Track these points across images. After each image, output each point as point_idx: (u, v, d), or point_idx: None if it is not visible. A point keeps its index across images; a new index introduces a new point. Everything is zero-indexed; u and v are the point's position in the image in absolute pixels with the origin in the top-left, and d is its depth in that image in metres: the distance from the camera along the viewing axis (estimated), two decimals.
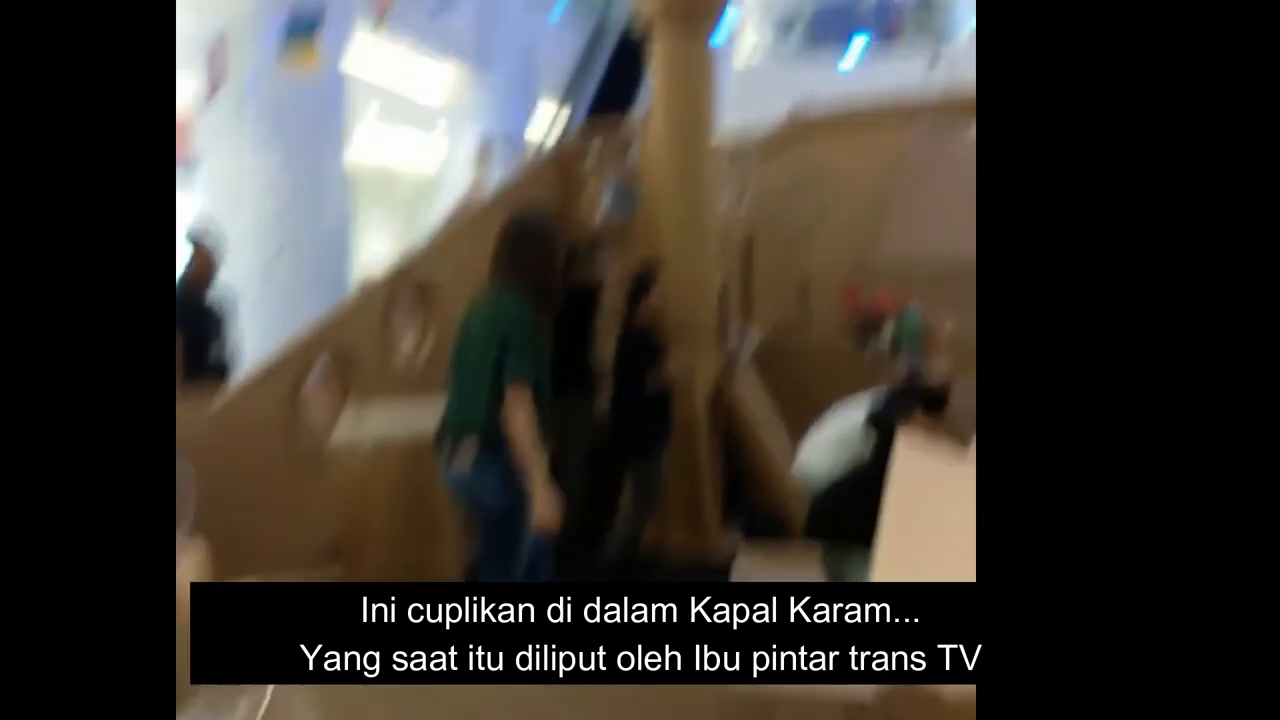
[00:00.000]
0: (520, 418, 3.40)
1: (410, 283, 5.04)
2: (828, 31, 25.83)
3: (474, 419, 3.50)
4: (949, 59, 16.09)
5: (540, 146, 7.03)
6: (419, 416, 4.04)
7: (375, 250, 12.43)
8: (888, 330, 6.81)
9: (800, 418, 6.20)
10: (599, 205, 6.53)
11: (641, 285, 5.47)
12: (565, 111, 17.92)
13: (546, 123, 16.36)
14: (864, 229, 7.66)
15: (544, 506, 3.39)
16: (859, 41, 23.84)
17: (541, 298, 3.64)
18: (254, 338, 6.63)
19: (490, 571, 3.54)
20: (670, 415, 5.55)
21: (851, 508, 3.90)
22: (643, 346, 5.44)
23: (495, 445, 3.44)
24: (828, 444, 4.37)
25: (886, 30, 24.96)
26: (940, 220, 7.67)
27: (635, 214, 6.12)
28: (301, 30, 5.95)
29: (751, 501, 6.12)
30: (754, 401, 5.87)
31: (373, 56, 13.13)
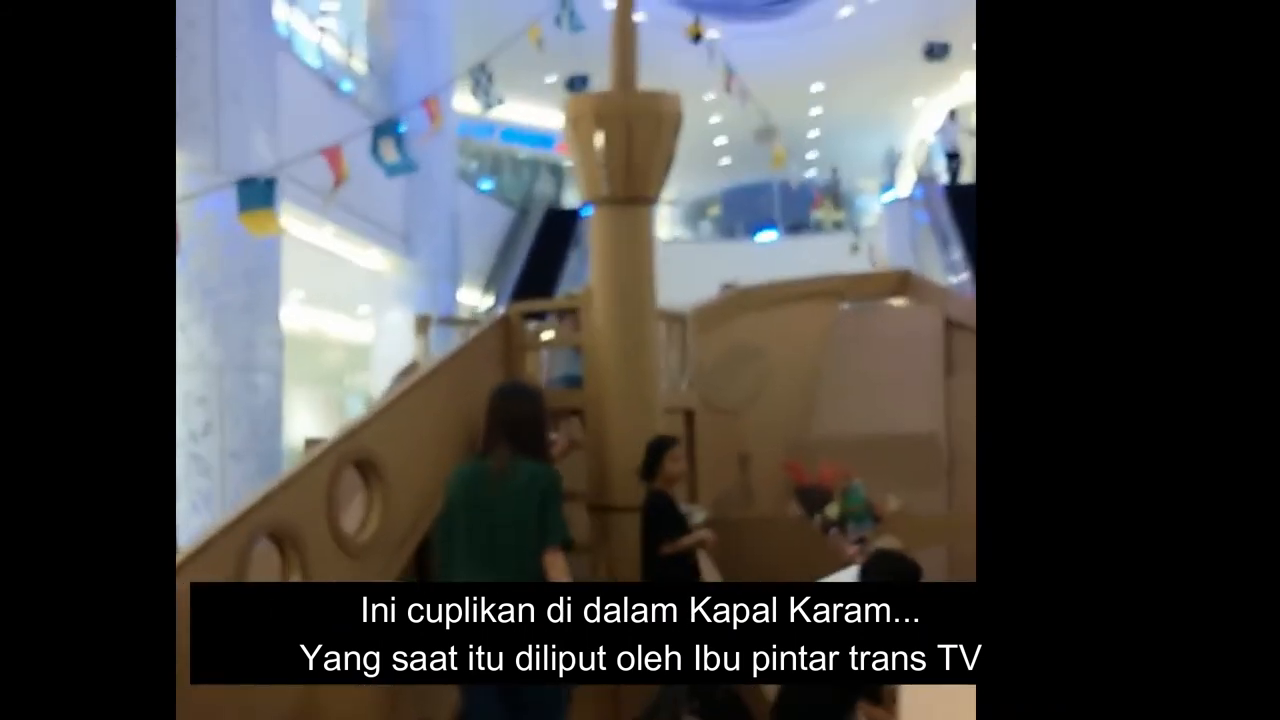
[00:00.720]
0: (565, 577, 3.77)
1: (353, 454, 4.89)
2: (736, 220, 26.89)
3: (521, 579, 3.73)
4: (865, 241, 16.73)
5: (477, 320, 7.02)
6: None
7: (304, 423, 12.23)
8: (834, 505, 6.83)
9: None
10: (541, 377, 6.51)
11: (658, 452, 5.46)
12: (492, 289, 18.09)
13: (475, 299, 16.48)
14: (798, 403, 7.77)
15: None
16: (768, 233, 24.73)
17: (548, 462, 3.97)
18: (182, 513, 6.36)
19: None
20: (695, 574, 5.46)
21: (824, 699, 3.81)
22: (662, 513, 5.41)
23: None
24: None
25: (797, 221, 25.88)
26: (869, 394, 7.86)
27: (580, 386, 6.09)
28: (258, 200, 5.96)
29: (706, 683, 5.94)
30: (707, 576, 5.75)
31: (303, 235, 13.18)
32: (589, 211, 6.02)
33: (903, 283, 8.96)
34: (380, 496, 5.01)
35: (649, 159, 5.72)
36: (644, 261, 5.93)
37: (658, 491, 5.39)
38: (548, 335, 6.91)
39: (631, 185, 5.73)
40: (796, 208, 26.81)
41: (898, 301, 8.97)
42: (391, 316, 15.30)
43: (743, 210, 27.26)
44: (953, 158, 19.68)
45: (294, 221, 12.28)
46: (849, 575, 4.41)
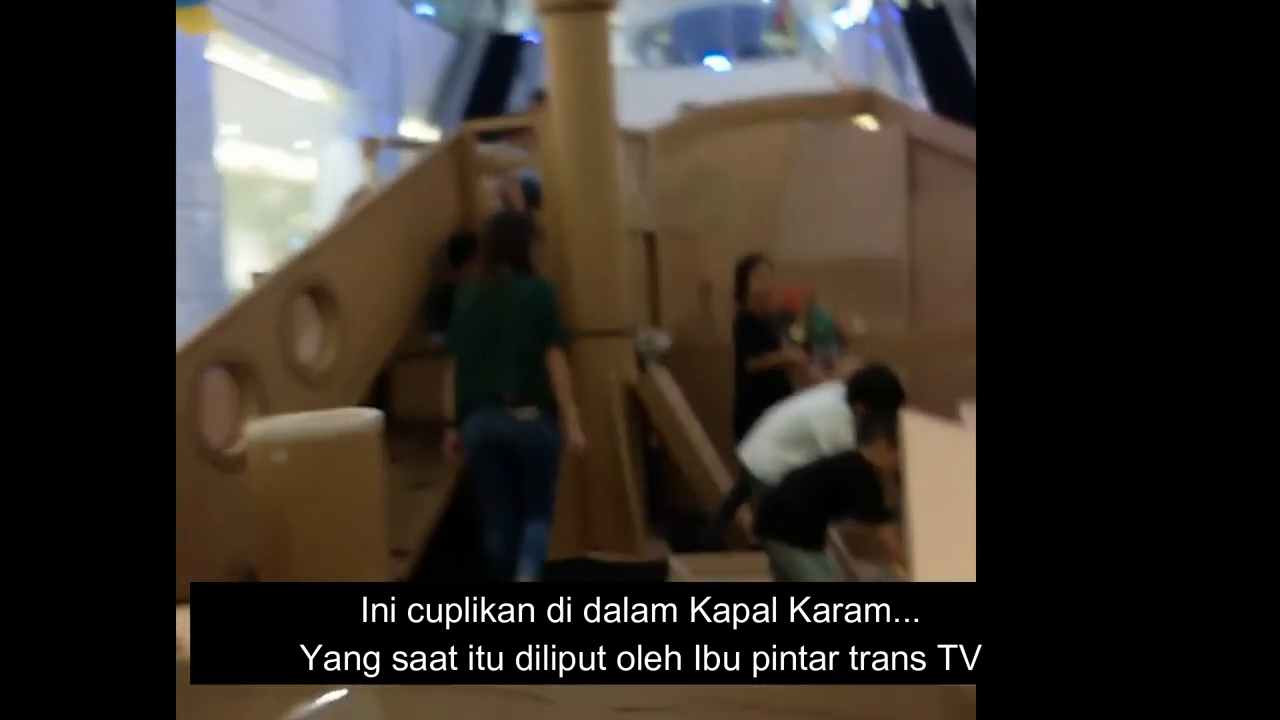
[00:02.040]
0: (567, 373, 4.46)
1: (306, 281, 4.67)
2: (685, 48, 26.18)
3: (532, 382, 4.42)
4: (826, 61, 16.33)
5: (428, 143, 6.72)
6: (335, 418, 3.72)
7: (249, 260, 11.89)
8: (798, 326, 6.73)
9: (711, 417, 6.10)
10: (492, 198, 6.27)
11: (743, 270, 5.45)
12: (436, 121, 17.55)
13: (419, 132, 15.96)
14: (760, 227, 7.61)
15: (578, 435, 4.54)
16: (718, 60, 24.13)
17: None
18: None
19: (540, 495, 4.49)
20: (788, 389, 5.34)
21: (808, 504, 3.78)
22: (746, 331, 5.37)
23: (547, 400, 4.45)
24: (776, 441, 4.23)
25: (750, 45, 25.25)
26: (830, 216, 7.71)
27: (539, 208, 5.87)
28: None
29: (677, 506, 5.92)
30: (671, 402, 5.66)
31: (237, 66, 12.58)
32: (533, 37, 5.70)
33: (866, 102, 8.71)
34: (336, 323, 4.82)
35: None
36: (602, 75, 5.65)
37: (746, 311, 5.31)
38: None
39: None
40: (749, 33, 26.08)
41: (861, 121, 8.73)
42: (332, 151, 14.79)
43: (693, 36, 26.47)
44: None
45: (225, 50, 11.69)
46: (831, 392, 4.31)
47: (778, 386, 5.32)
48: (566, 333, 4.63)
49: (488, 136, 6.50)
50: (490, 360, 4.48)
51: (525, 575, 4.42)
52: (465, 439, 4.57)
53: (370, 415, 3.76)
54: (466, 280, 5.55)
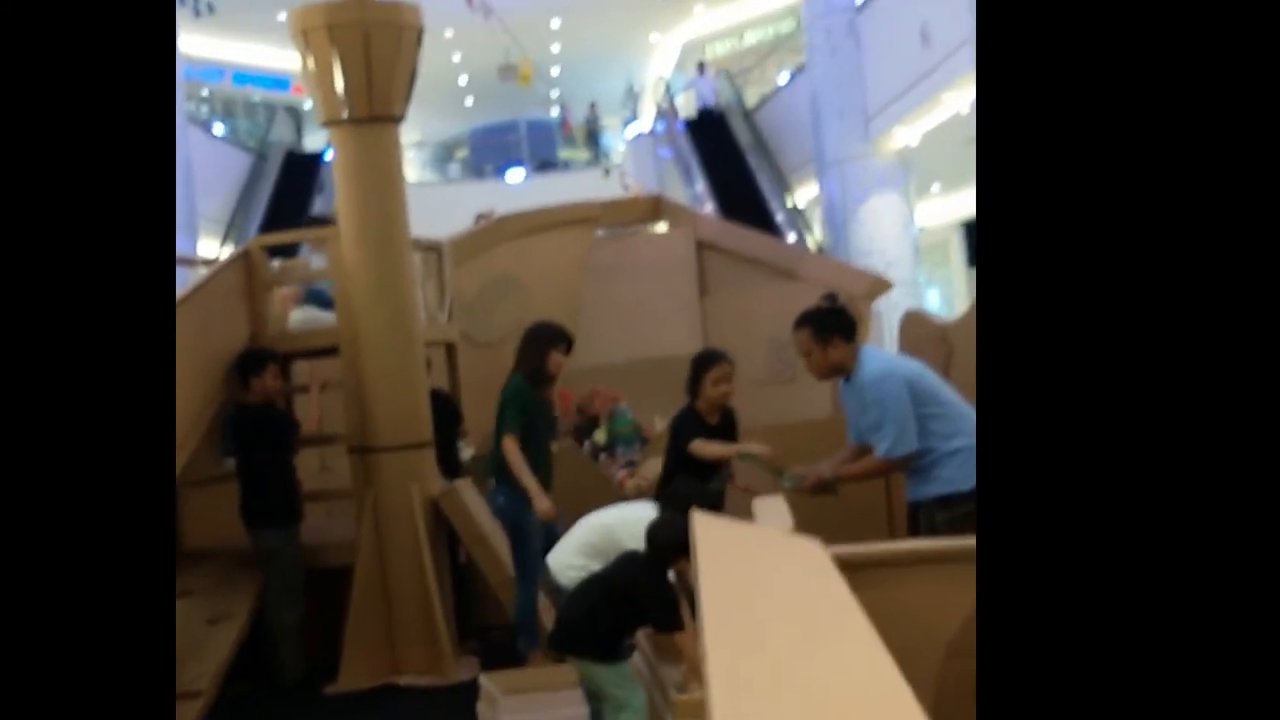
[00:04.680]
0: (514, 456, 4.99)
1: None
2: (484, 162, 26.45)
3: (496, 462, 5.13)
4: (616, 170, 16.72)
5: (216, 259, 6.50)
6: None
7: None
8: (602, 430, 6.75)
9: None
10: (286, 313, 6.11)
11: (697, 369, 4.95)
12: (232, 238, 17.13)
13: (214, 251, 15.53)
14: None
15: (541, 502, 4.95)
16: (517, 171, 24.46)
17: (534, 379, 5.24)
18: None
19: (522, 558, 5.09)
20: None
21: (602, 616, 3.72)
22: (685, 423, 4.89)
23: (501, 477, 5.12)
24: (580, 551, 4.18)
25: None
26: (628, 319, 7.85)
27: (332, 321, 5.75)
28: None
29: (488, 621, 5.78)
30: (477, 515, 5.56)
31: None
32: (331, 154, 5.65)
33: (655, 208, 8.95)
34: None
35: (390, 73, 5.38)
36: (393, 185, 5.62)
37: (690, 408, 4.94)
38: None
39: (374, 103, 5.38)
40: (544, 146, 26.54)
41: (652, 227, 8.95)
42: None
43: (491, 150, 26.78)
44: (710, 112, 19.69)
45: None
46: (643, 507, 4.30)
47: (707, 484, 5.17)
48: (512, 422, 5.08)
49: (285, 251, 6.37)
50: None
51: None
52: None
53: None
54: (257, 397, 5.37)
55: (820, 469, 4.31)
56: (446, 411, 5.96)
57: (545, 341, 5.34)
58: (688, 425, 4.84)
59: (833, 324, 4.25)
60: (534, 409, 5.20)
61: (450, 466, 5.88)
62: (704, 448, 4.67)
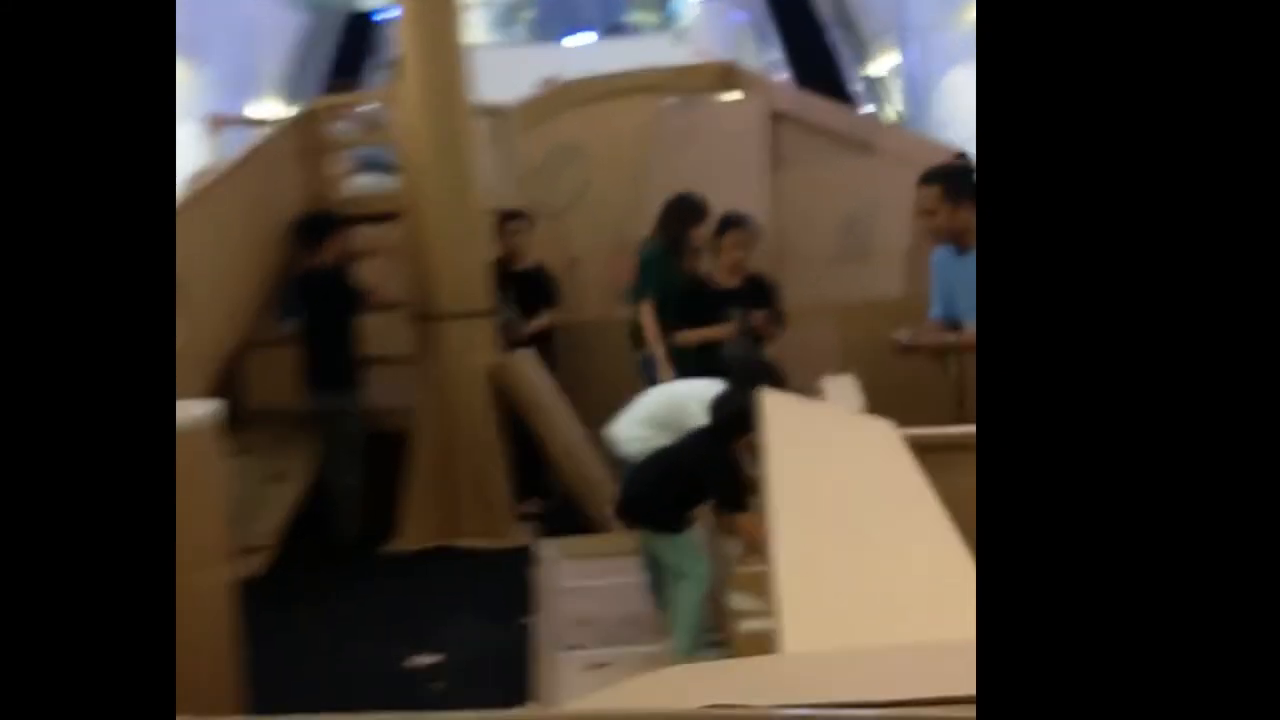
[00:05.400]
0: (645, 317, 5.07)
1: None
2: (549, 25, 25.95)
3: (630, 328, 5.24)
4: (688, 36, 16.33)
5: (276, 120, 6.44)
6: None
7: None
8: None
9: (580, 395, 6.02)
10: (344, 177, 6.06)
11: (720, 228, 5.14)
12: (292, 103, 17.07)
13: (276, 105, 15.49)
14: (623, 203, 7.53)
15: (666, 372, 4.95)
16: (584, 34, 24.00)
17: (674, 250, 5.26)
18: None
19: None
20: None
21: (666, 490, 3.71)
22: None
23: (636, 342, 5.23)
24: (645, 423, 4.15)
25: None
26: (695, 191, 7.69)
27: (393, 186, 5.68)
28: None
29: (546, 489, 5.81)
30: (536, 383, 5.54)
31: None
32: (389, 14, 5.51)
33: (727, 75, 8.67)
34: (183, 303, 4.56)
35: None
36: (454, 48, 5.47)
37: (697, 275, 5.10)
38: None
39: None
40: (612, 8, 25.93)
41: (723, 95, 8.70)
42: (180, 132, 14.22)
43: (557, 12, 26.20)
44: None
45: None
46: (713, 382, 4.24)
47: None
48: (646, 289, 5.20)
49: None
50: None
51: None
52: None
53: (204, 410, 3.53)
54: (327, 261, 5.35)
55: (936, 333, 4.12)
56: (543, 287, 6.02)
57: (689, 216, 5.33)
58: (686, 298, 5.03)
59: (967, 184, 3.95)
60: (669, 279, 5.18)
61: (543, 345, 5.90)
62: (685, 338, 4.72)
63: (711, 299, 4.77)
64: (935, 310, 4.21)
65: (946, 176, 3.98)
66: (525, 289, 6.00)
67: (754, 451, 2.67)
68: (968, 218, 3.89)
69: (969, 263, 3.87)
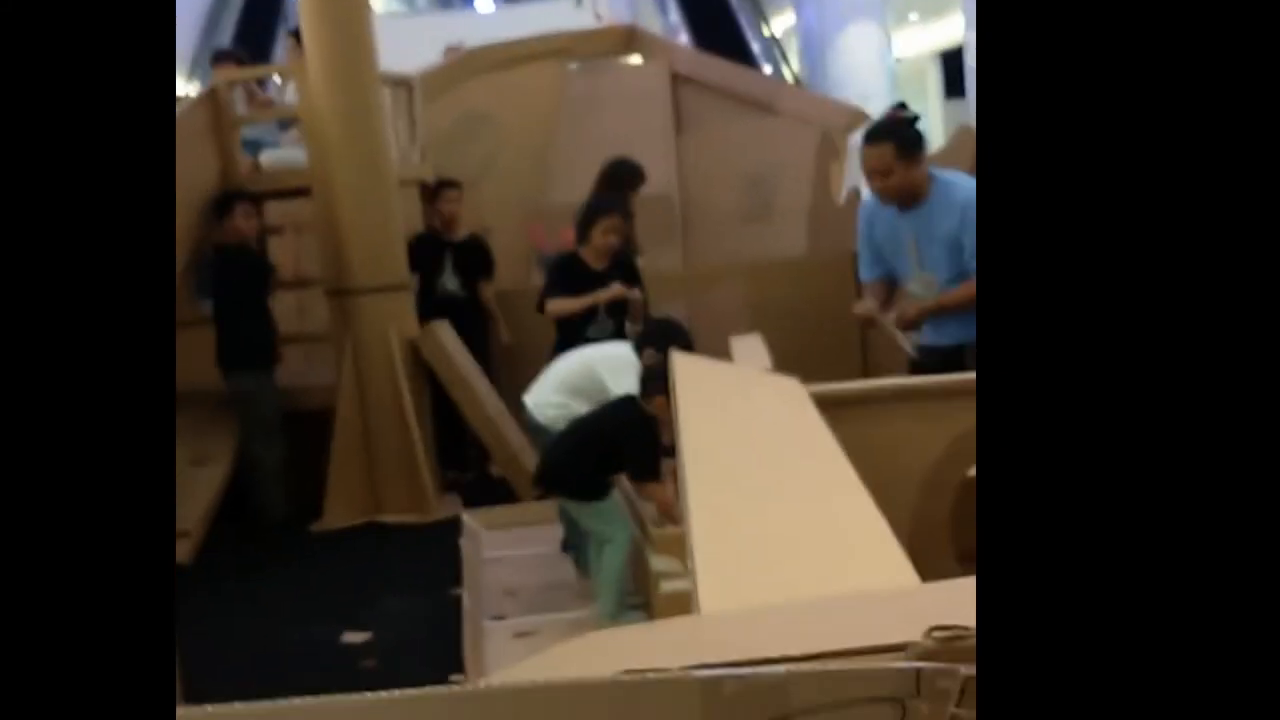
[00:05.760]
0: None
1: None
2: None
3: None
4: (588, 2, 16.22)
5: (183, 98, 6.31)
6: None
7: None
8: None
9: (496, 363, 6.06)
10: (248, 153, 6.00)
11: (589, 216, 4.86)
12: (196, 76, 16.69)
13: (180, 82, 15.11)
14: (532, 169, 7.55)
15: None
16: (484, 3, 23.65)
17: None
18: None
19: None
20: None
21: (586, 457, 3.78)
22: (555, 269, 5.00)
23: None
24: (561, 389, 4.20)
25: None
26: (601, 156, 7.70)
27: (301, 161, 5.64)
28: None
29: (467, 460, 5.86)
30: (454, 354, 5.57)
31: None
32: None
33: (629, 39, 8.71)
34: None
35: None
36: (360, 17, 5.44)
37: (571, 254, 4.89)
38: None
39: None
40: None
41: (625, 59, 8.73)
42: None
43: None
44: None
45: None
46: (620, 345, 4.31)
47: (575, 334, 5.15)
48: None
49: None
50: None
51: None
52: None
53: None
54: (230, 239, 5.30)
55: (914, 303, 3.81)
56: (481, 257, 6.06)
57: (629, 179, 5.35)
58: (560, 272, 4.89)
59: (917, 139, 3.74)
60: None
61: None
62: (562, 305, 4.73)
63: (582, 278, 4.79)
64: (867, 271, 3.99)
65: (896, 133, 3.72)
66: (462, 258, 6.02)
67: (669, 417, 2.75)
68: (920, 174, 3.70)
69: (940, 211, 3.67)
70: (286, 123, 6.60)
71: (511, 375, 5.70)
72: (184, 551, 4.74)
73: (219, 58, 6.67)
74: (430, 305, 5.85)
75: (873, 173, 3.73)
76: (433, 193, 6.08)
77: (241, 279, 5.41)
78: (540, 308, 4.86)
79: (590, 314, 4.76)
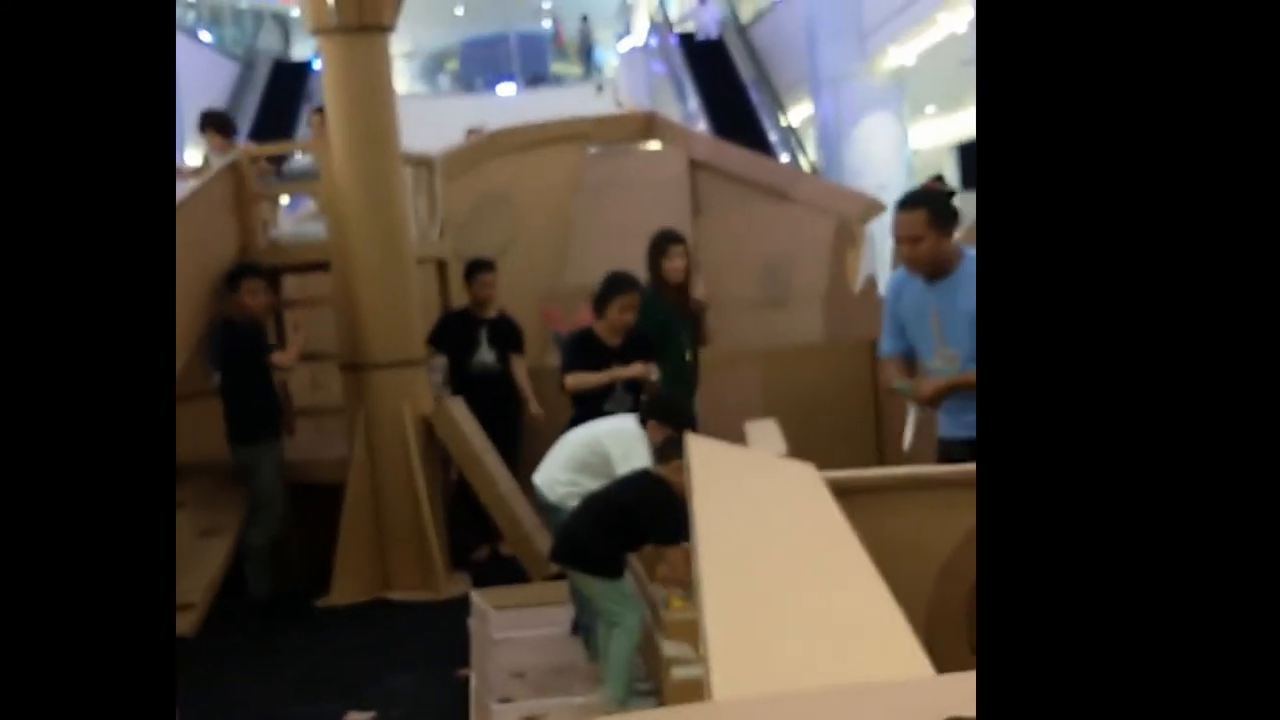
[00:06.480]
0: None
1: None
2: (474, 75, 26.11)
3: None
4: (609, 86, 16.51)
5: (202, 168, 6.40)
6: None
7: None
8: None
9: (511, 443, 6.06)
10: (269, 225, 6.07)
11: (607, 291, 4.85)
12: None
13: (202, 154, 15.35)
14: (550, 250, 7.61)
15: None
16: (508, 85, 24.14)
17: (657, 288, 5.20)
18: None
19: None
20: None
21: (606, 532, 3.75)
22: (571, 345, 5.03)
23: None
24: (569, 467, 4.19)
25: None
26: (618, 239, 7.78)
27: (322, 236, 5.70)
28: None
29: (480, 537, 5.83)
30: (467, 432, 5.57)
31: None
32: (319, 63, 5.56)
33: (648, 125, 8.83)
34: None
35: None
36: (383, 97, 5.54)
37: (587, 331, 4.90)
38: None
39: (364, 11, 5.29)
40: (536, 60, 26.20)
41: (644, 145, 8.84)
42: None
43: (482, 63, 26.43)
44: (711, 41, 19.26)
45: None
46: (626, 418, 4.31)
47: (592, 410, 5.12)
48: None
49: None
50: None
51: None
52: None
53: None
54: (237, 312, 5.31)
55: (943, 377, 3.71)
56: (512, 333, 6.11)
57: (656, 249, 5.35)
58: (576, 348, 4.90)
59: (950, 211, 3.71)
60: (663, 316, 5.11)
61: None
62: (580, 380, 4.73)
63: (598, 354, 4.80)
64: (889, 345, 3.92)
65: (930, 201, 3.70)
66: (495, 335, 6.06)
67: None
68: (950, 247, 3.67)
69: (943, 291, 3.65)
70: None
71: (529, 452, 5.68)
72: (188, 624, 4.70)
73: (206, 123, 6.72)
74: (464, 380, 5.87)
75: (903, 239, 3.69)
76: (468, 273, 6.16)
77: (244, 353, 5.41)
78: (562, 385, 4.88)
79: (608, 390, 4.77)
